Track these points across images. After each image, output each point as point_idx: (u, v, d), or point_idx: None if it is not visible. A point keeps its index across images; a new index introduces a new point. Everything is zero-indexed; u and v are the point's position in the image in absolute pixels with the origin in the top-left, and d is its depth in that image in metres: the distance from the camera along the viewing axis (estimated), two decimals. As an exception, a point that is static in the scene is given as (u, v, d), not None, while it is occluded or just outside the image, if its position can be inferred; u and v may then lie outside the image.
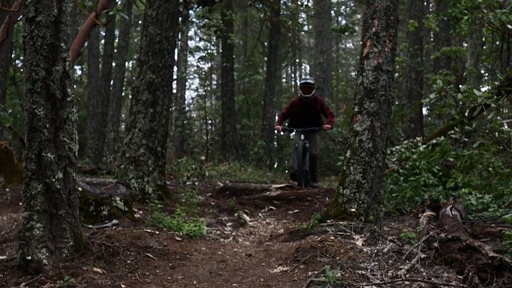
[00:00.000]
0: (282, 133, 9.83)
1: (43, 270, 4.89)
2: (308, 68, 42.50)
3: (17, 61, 26.29)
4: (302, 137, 10.60)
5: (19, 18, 12.34)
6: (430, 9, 25.94)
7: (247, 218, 8.37)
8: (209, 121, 31.36)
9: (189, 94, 53.61)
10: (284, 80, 42.20)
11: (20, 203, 8.67)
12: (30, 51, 5.23)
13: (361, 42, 8.28)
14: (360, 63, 7.73)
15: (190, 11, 17.43)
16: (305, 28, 36.45)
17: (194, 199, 8.80)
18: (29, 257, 4.94)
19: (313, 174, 11.34)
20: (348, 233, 5.94)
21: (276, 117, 30.22)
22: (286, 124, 11.90)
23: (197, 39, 36.22)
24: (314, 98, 11.15)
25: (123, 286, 4.61)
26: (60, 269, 4.93)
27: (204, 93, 34.55)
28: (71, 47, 7.95)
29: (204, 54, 31.78)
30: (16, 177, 10.49)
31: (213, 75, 38.22)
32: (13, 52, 22.99)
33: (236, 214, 8.45)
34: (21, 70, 26.01)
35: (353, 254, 5.03)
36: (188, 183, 12.68)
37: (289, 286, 4.50)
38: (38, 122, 5.13)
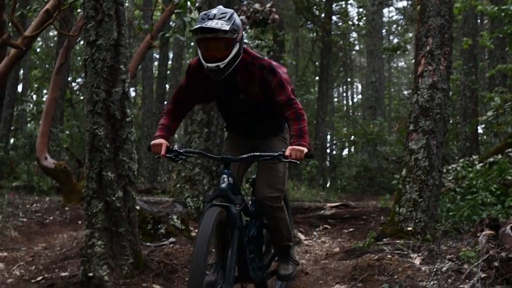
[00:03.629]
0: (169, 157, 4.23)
1: (104, 287, 5.01)
2: (360, 87, 42.34)
3: (73, 84, 26.93)
4: (225, 178, 4.12)
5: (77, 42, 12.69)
6: (485, 27, 25.60)
7: (302, 237, 8.37)
8: (261, 141, 31.41)
9: (241, 114, 53.86)
10: (336, 99, 42.13)
11: (79, 222, 8.89)
12: (91, 73, 5.40)
13: (413, 61, 8.25)
14: (414, 81, 7.69)
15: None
16: (357, 47, 36.39)
17: (249, 217, 8.85)
18: (91, 274, 5.07)
19: (280, 252, 4.80)
20: (405, 252, 5.89)
21: (328, 137, 30.09)
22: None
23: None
24: (242, 67, 4.30)
25: (182, 302, 4.66)
26: (121, 286, 5.04)
27: (256, 113, 34.65)
28: (129, 69, 8.15)
29: (256, 75, 31.95)
30: (74, 196, 10.73)
31: (265, 95, 38.33)
32: (70, 75, 23.59)
33: (291, 233, 8.46)
34: (77, 92, 26.67)
35: (411, 272, 5.00)
36: (242, 202, 12.70)
37: (347, 304, 4.50)
38: (99, 142, 5.28)
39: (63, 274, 5.72)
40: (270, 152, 4.21)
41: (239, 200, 4.01)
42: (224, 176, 4.04)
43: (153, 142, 4.22)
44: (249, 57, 4.30)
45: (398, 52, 20.29)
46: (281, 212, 4.46)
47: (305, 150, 4.02)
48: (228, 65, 4.08)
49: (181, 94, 4.53)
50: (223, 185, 4.00)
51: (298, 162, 4.03)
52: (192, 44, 31.94)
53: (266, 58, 4.47)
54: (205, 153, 4.28)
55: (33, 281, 5.65)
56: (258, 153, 4.13)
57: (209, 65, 4.06)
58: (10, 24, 12.61)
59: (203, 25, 3.97)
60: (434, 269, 5.07)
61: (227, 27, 3.98)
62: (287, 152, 3.99)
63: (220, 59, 4.05)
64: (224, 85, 4.32)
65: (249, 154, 4.12)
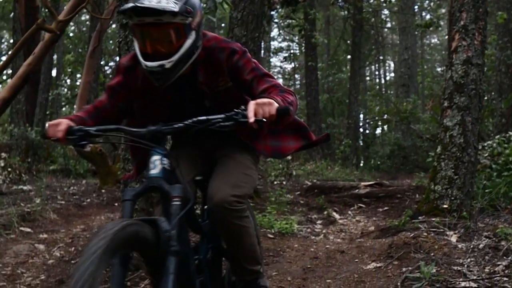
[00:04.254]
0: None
1: (142, 266, 5.07)
2: (392, 65, 41.93)
3: (106, 67, 27.18)
4: (157, 161, 2.61)
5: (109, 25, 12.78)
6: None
7: (337, 216, 8.38)
8: (294, 121, 31.33)
9: (273, 95, 53.83)
10: (368, 78, 41.79)
11: (116, 204, 9.01)
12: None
13: (446, 37, 8.13)
14: (448, 57, 7.60)
15: (273, 12, 17.55)
16: (389, 24, 35.97)
17: (283, 197, 8.89)
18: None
19: (246, 284, 3.17)
20: (441, 230, 5.86)
21: (361, 116, 29.93)
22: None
23: (280, 39, 36.39)
24: (204, 60, 2.91)
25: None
26: (159, 266, 5.10)
27: (288, 93, 34.54)
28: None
29: (287, 55, 31.90)
30: (110, 178, 10.88)
31: (296, 75, 38.25)
32: (103, 58, 23.79)
33: (325, 212, 8.48)
34: (110, 76, 26.89)
35: (447, 250, 4.97)
36: (275, 182, 12.77)
37: (383, 282, 4.50)
38: (135, 124, 5.31)
39: (102, 255, 5.81)
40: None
41: (177, 191, 2.54)
42: (155, 158, 2.60)
43: (49, 122, 2.89)
44: (213, 42, 2.94)
45: (431, 28, 20.00)
46: (245, 220, 2.94)
47: (275, 104, 2.57)
48: (179, 64, 2.72)
49: (106, 98, 3.14)
50: (154, 171, 2.58)
51: (264, 120, 2.52)
52: (223, 25, 31.92)
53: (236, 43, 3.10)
54: (124, 127, 2.77)
55: (73, 262, 5.75)
56: (204, 117, 2.64)
57: (150, 64, 2.68)
58: (43, 9, 12.75)
59: (137, 4, 2.57)
60: (471, 246, 5.05)
61: (175, 8, 2.58)
62: (250, 108, 2.52)
63: (165, 56, 2.68)
64: (176, 91, 2.96)
65: (192, 119, 2.65)
